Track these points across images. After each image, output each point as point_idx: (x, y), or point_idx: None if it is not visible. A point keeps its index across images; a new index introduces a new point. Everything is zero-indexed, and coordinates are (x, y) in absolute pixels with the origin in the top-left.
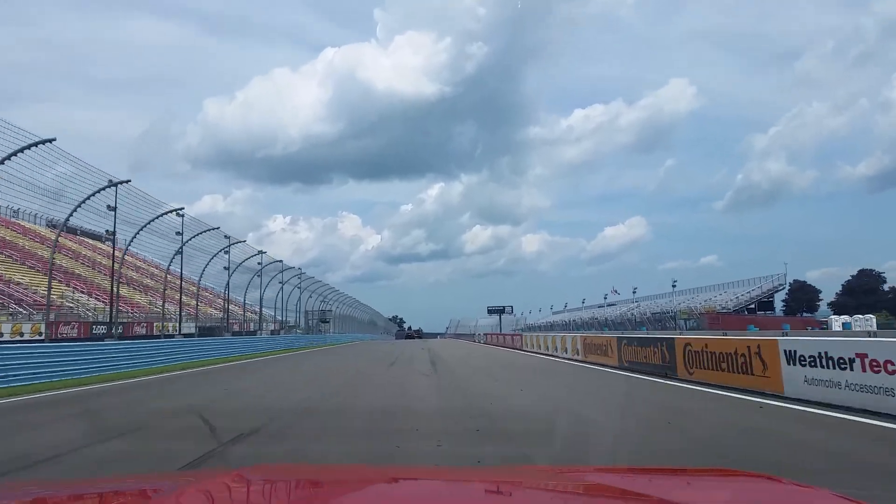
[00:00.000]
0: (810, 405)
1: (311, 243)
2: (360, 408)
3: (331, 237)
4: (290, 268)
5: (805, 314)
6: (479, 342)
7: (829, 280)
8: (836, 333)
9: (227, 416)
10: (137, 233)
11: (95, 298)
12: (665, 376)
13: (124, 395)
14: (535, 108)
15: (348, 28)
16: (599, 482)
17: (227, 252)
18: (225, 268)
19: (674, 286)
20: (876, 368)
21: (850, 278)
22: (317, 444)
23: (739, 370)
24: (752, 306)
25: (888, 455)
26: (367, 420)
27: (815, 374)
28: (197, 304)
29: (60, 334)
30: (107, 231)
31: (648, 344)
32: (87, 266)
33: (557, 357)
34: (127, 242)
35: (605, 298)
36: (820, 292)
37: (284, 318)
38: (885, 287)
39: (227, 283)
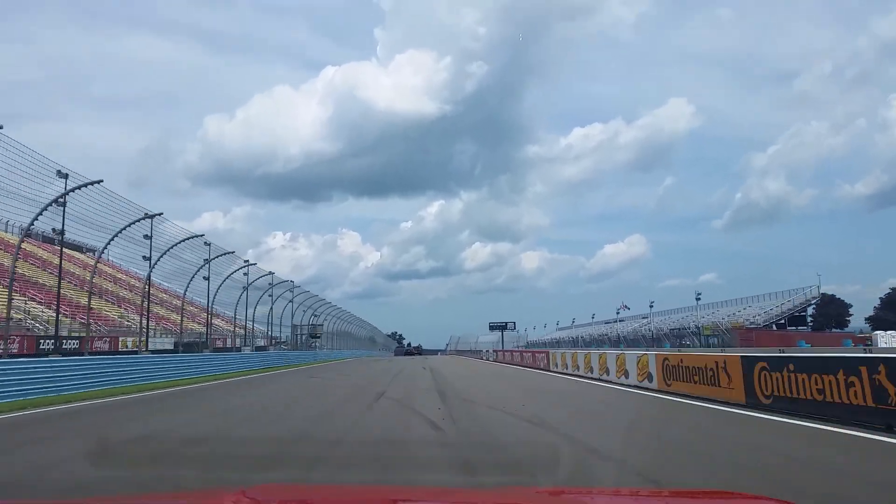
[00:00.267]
0: None
1: (310, 260)
2: None
3: (330, 254)
4: (284, 281)
5: (834, 329)
6: (487, 359)
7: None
8: None
9: None
10: (110, 240)
11: (54, 310)
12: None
13: None
14: (534, 126)
15: (349, 47)
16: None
17: (208, 261)
18: (205, 278)
19: (698, 299)
20: None
21: (889, 291)
22: None
23: None
24: (782, 321)
25: None
26: None
27: None
28: (182, 318)
29: None
30: (53, 230)
31: (833, 369)
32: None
33: (612, 383)
34: (99, 251)
35: (618, 314)
36: (850, 306)
37: (270, 333)
38: None
39: (209, 295)
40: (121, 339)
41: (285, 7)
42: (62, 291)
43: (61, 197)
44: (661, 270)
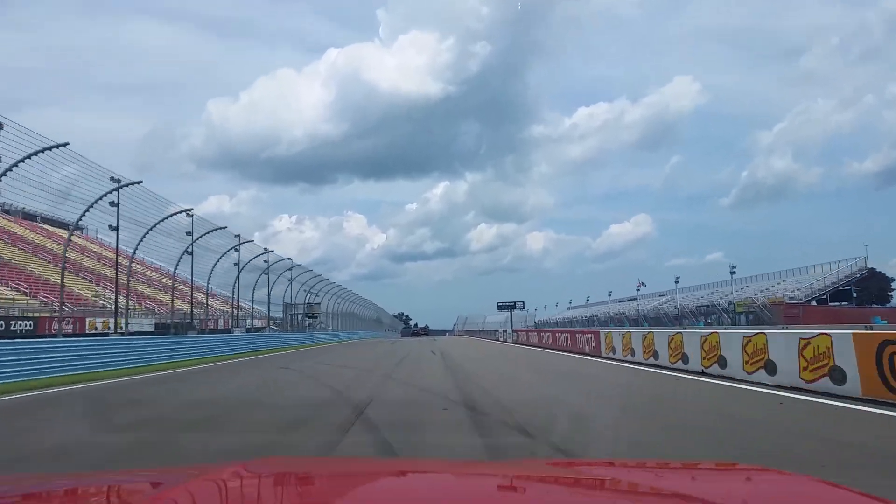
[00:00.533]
0: None
1: (316, 242)
2: None
3: (336, 236)
4: (282, 260)
5: (873, 305)
6: (507, 341)
7: None
8: None
9: None
10: (85, 212)
11: (14, 289)
12: None
13: None
14: (539, 106)
15: (351, 28)
16: (611, 475)
17: (189, 234)
18: (188, 252)
19: (732, 272)
20: None
21: None
22: None
23: None
24: (824, 296)
25: None
26: None
27: None
28: (172, 299)
29: None
30: None
31: None
32: (30, 253)
33: (735, 381)
34: (73, 224)
35: (638, 290)
36: (893, 280)
37: (270, 314)
38: None
39: (192, 273)
40: (89, 320)
41: None
42: (31, 268)
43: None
44: (667, 249)
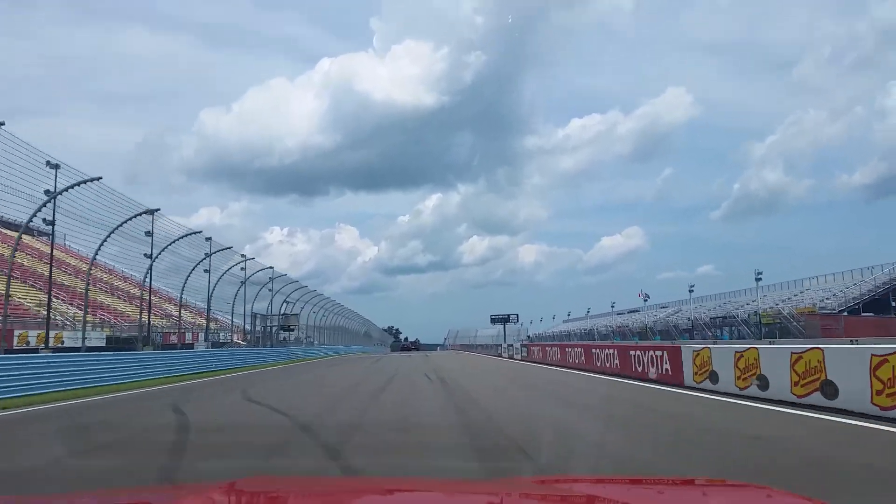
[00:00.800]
0: None
1: (308, 255)
2: None
3: (328, 249)
4: (264, 268)
5: None
6: (513, 357)
7: None
8: None
9: None
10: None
11: None
12: None
13: None
14: (532, 117)
15: (345, 38)
16: (600, 493)
17: (150, 234)
18: (146, 255)
19: (758, 279)
20: None
21: None
22: None
23: None
24: (857, 306)
25: None
26: None
27: None
28: (141, 311)
29: None
30: None
31: None
32: None
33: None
34: (23, 225)
35: (645, 302)
36: None
37: (245, 327)
38: None
39: (150, 276)
40: (19, 332)
41: None
42: None
43: None
44: (658, 262)
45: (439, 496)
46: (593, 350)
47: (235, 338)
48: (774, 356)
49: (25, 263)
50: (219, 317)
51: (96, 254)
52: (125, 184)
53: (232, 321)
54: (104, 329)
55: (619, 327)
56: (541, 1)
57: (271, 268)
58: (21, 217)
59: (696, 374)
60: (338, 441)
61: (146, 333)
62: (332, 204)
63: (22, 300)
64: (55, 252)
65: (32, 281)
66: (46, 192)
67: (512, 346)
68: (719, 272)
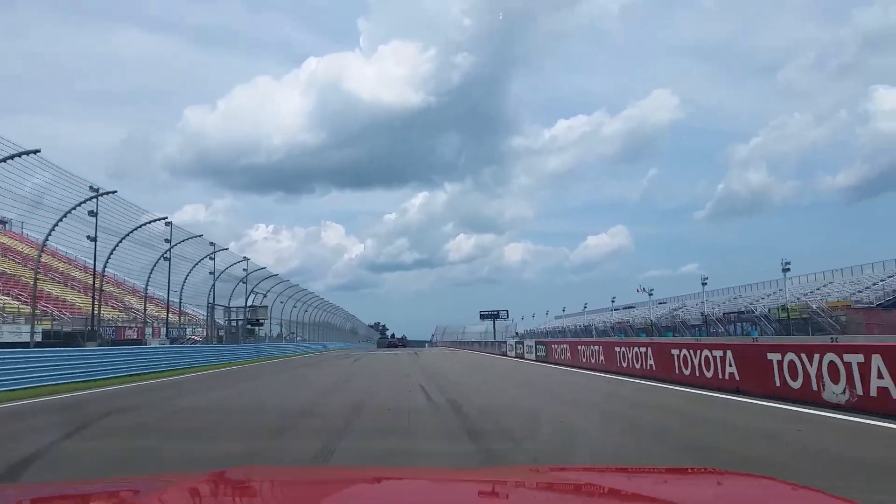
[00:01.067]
0: None
1: (293, 252)
2: None
3: (314, 246)
4: (242, 259)
5: None
6: (527, 357)
7: None
8: None
9: None
10: None
11: None
12: None
13: None
14: (518, 118)
15: (331, 38)
16: (593, 481)
17: (94, 215)
18: (90, 237)
19: (786, 269)
20: None
21: None
22: None
23: None
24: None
25: None
26: None
27: None
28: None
29: None
30: None
31: None
32: None
33: None
34: None
35: (651, 296)
36: None
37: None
38: None
39: (94, 257)
40: None
41: None
42: None
43: None
44: (642, 262)
45: (432, 485)
46: (648, 352)
47: (191, 333)
48: None
49: None
50: (189, 311)
51: (46, 239)
52: (111, 180)
53: (208, 317)
54: (41, 322)
55: (619, 323)
56: (529, 3)
57: (246, 259)
58: None
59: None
60: None
61: (91, 327)
62: (318, 202)
63: None
64: (4, 239)
65: None
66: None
67: (522, 342)
68: (702, 271)
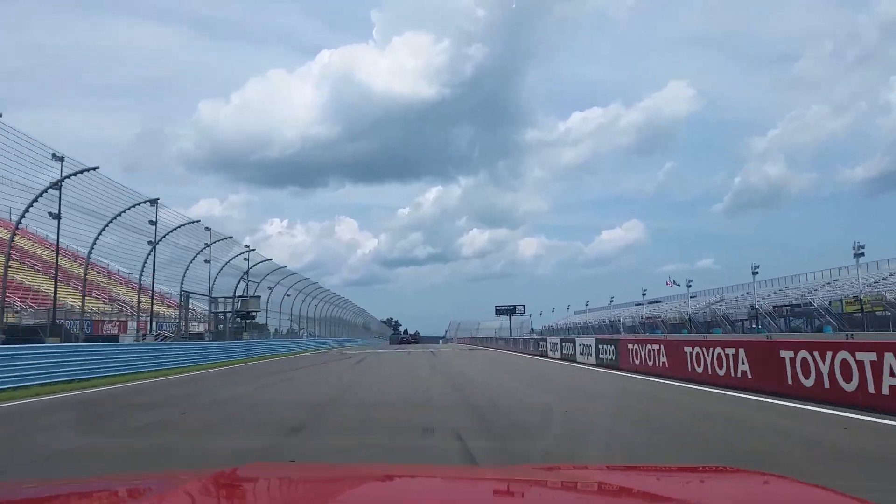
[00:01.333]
0: None
1: (307, 247)
2: None
3: (328, 241)
4: (247, 250)
5: None
6: (578, 360)
7: None
8: None
9: None
10: None
11: None
12: None
13: None
14: (533, 110)
15: (345, 30)
16: (605, 480)
17: (57, 188)
18: (52, 214)
19: (860, 254)
20: None
21: None
22: None
23: None
24: None
25: None
26: None
27: None
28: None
29: None
30: None
31: None
32: None
33: None
34: None
35: (689, 288)
36: None
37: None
38: None
39: (58, 238)
40: None
41: None
42: None
43: None
44: (658, 256)
45: (444, 483)
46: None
47: (203, 328)
48: None
49: None
50: (190, 306)
51: (20, 220)
52: (124, 174)
53: (210, 311)
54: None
55: (650, 318)
56: None
57: (251, 248)
58: None
59: None
60: None
61: (53, 321)
62: (332, 196)
63: None
64: None
65: None
66: None
67: (573, 341)
68: (719, 266)
